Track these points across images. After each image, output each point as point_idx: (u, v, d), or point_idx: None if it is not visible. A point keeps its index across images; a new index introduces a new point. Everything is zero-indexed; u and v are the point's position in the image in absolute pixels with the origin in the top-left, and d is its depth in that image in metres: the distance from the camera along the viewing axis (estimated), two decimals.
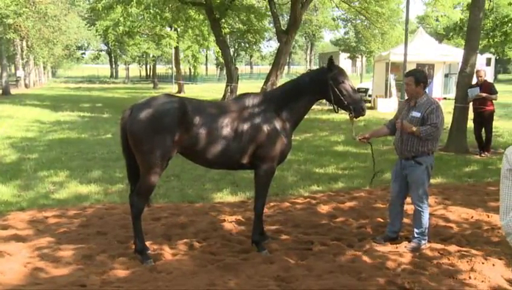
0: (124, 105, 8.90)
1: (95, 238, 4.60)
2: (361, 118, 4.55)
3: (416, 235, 4.36)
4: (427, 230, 4.38)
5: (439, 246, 4.33)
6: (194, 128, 3.95)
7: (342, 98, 4.19)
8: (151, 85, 38.77)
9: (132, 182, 4.19)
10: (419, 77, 4.30)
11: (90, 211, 5.56)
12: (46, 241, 4.51)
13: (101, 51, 57.71)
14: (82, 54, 55.44)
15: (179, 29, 28.14)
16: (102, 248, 4.34)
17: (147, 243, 4.25)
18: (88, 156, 8.93)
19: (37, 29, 24.53)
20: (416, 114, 4.23)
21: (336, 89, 4.18)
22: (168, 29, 29.77)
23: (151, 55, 37.68)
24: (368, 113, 13.35)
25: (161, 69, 48.93)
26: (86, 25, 36.55)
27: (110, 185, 6.78)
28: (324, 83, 4.20)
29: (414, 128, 4.16)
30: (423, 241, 4.34)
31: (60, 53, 37.05)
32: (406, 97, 4.54)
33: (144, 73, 61.06)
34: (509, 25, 13.66)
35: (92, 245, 4.40)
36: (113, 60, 58.87)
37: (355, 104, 4.22)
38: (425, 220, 4.33)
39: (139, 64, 52.40)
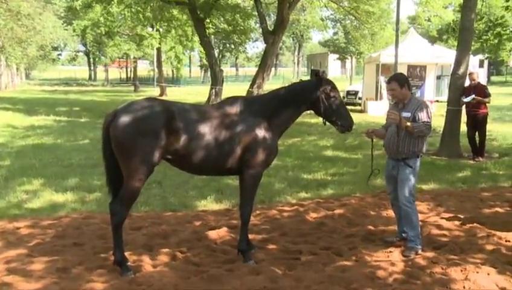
0: (103, 109, 8.63)
1: (70, 250, 4.44)
2: None
3: (412, 239, 4.34)
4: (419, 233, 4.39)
5: (431, 254, 4.27)
6: (179, 133, 3.87)
7: (331, 112, 4.22)
8: (132, 88, 38.09)
9: (111, 189, 4.04)
10: (401, 79, 4.43)
11: (66, 221, 5.37)
12: (17, 254, 4.30)
13: (79, 52, 56.62)
14: (58, 55, 54.16)
15: (161, 29, 27.67)
16: (79, 260, 4.19)
17: (127, 254, 4.09)
18: (64, 163, 8.65)
19: (8, 28, 23.69)
20: (406, 114, 4.31)
21: (327, 103, 4.20)
22: (149, 29, 29.24)
23: (132, 57, 37.04)
24: (358, 117, 13.24)
25: (142, 71, 47.96)
26: (62, 24, 35.56)
27: (88, 193, 6.56)
28: (315, 95, 4.21)
29: (408, 124, 4.21)
30: (419, 246, 4.33)
31: (35, 54, 35.96)
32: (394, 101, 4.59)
33: (124, 75, 60.09)
34: (503, 26, 13.73)
35: (67, 257, 4.23)
36: (91, 61, 57.77)
37: (344, 120, 4.27)
38: (416, 221, 4.38)
39: (119, 66, 51.59)
